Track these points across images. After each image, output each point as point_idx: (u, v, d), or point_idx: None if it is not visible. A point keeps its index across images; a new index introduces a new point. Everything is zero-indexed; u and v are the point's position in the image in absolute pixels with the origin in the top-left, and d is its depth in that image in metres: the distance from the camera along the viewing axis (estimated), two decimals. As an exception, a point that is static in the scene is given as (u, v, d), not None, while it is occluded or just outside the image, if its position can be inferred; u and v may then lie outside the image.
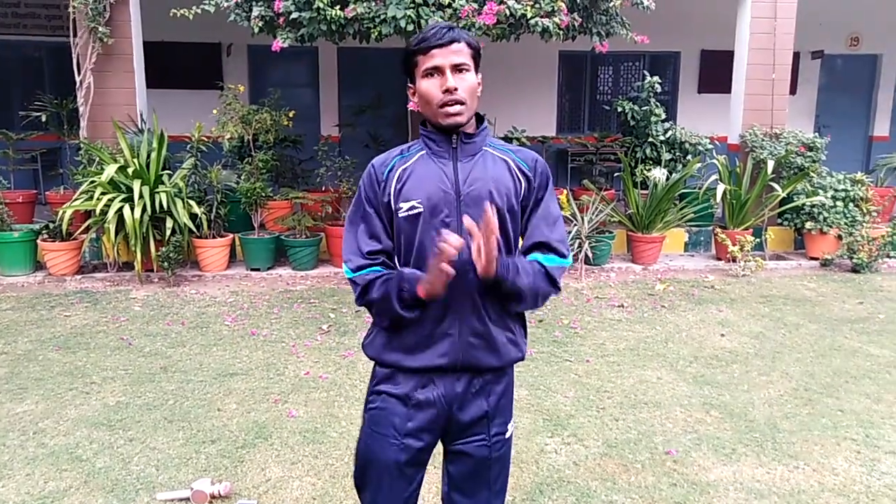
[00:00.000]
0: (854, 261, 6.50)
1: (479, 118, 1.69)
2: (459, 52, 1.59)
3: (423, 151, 1.67)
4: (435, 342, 1.62)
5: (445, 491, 1.75)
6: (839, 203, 6.78)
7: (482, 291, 1.60)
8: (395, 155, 1.69)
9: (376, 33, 5.20)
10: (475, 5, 5.15)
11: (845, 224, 6.71)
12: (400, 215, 1.62)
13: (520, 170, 1.67)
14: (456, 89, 1.57)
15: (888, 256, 6.77)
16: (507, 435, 1.74)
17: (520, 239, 1.71)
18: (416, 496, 1.74)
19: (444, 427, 1.69)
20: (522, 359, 1.73)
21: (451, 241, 1.46)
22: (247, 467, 2.92)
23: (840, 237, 6.70)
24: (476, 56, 1.63)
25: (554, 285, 1.65)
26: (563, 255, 1.67)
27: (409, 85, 1.67)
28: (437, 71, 1.58)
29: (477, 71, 1.64)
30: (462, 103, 1.58)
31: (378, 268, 1.64)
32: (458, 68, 1.58)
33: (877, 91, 10.68)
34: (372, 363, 1.74)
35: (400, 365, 1.65)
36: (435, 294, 1.53)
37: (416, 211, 1.60)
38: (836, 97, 10.62)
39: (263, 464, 2.95)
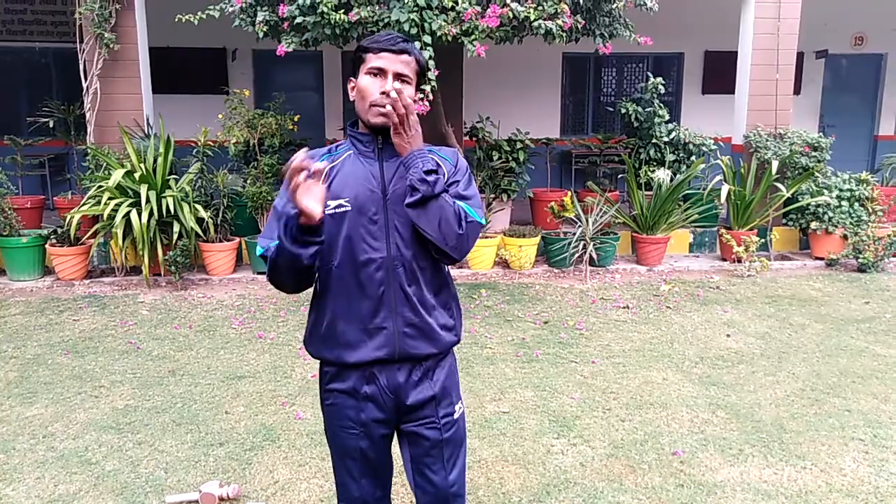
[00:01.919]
0: (860, 260, 6.49)
1: None
2: (407, 64, 1.66)
3: (351, 151, 1.73)
4: (371, 336, 1.69)
5: (411, 476, 1.82)
6: (844, 203, 6.76)
7: (412, 283, 1.68)
8: (323, 153, 1.75)
9: (380, 37, 5.21)
10: (478, 8, 5.17)
11: (851, 224, 6.69)
12: (326, 212, 1.64)
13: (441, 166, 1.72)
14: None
15: (894, 256, 6.75)
16: (456, 416, 1.81)
17: None
18: (387, 480, 1.86)
19: (395, 413, 1.77)
20: (458, 342, 1.81)
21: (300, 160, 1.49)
22: (255, 469, 2.94)
23: (845, 237, 6.68)
24: (420, 74, 1.71)
25: (460, 225, 1.64)
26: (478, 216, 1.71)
27: (351, 79, 1.72)
28: (381, 73, 1.64)
29: (417, 89, 1.72)
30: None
31: None
32: (400, 77, 1.65)
33: (882, 90, 10.65)
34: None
35: (341, 361, 1.71)
36: (311, 214, 1.52)
37: (343, 209, 1.66)
38: (840, 97, 10.59)
39: (271, 466, 2.97)
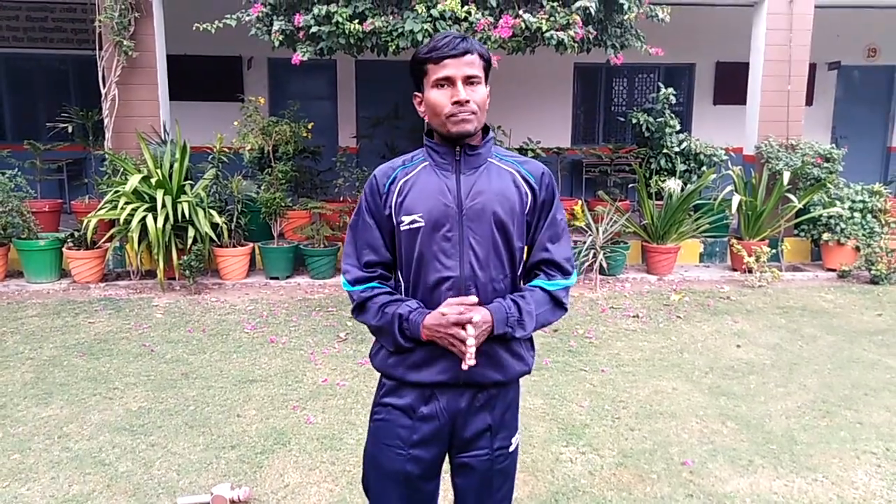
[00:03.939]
0: (872, 272, 6.45)
1: (485, 129, 1.66)
2: (472, 64, 1.55)
3: (427, 162, 1.64)
4: (436, 359, 1.60)
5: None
6: (857, 214, 6.74)
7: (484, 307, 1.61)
8: (398, 165, 1.67)
9: (394, 46, 5.28)
10: (491, 19, 5.22)
11: (863, 235, 6.66)
12: (402, 228, 1.60)
13: (526, 181, 1.65)
14: (468, 101, 1.54)
15: (908, 268, 6.70)
16: (511, 449, 1.72)
17: (524, 252, 1.70)
18: None
19: (449, 439, 1.68)
20: (529, 372, 1.71)
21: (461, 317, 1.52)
22: (266, 473, 2.97)
23: (858, 248, 6.65)
24: (487, 67, 1.60)
25: (561, 307, 1.66)
26: (567, 273, 1.68)
27: (416, 94, 1.64)
28: (449, 82, 1.55)
29: (486, 83, 1.61)
30: (473, 113, 1.56)
31: (375, 283, 1.64)
32: (469, 80, 1.55)
33: (895, 102, 10.59)
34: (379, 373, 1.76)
35: (404, 379, 1.64)
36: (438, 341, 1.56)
37: (417, 225, 1.58)
38: (853, 108, 10.54)
39: (282, 469, 3.00)
